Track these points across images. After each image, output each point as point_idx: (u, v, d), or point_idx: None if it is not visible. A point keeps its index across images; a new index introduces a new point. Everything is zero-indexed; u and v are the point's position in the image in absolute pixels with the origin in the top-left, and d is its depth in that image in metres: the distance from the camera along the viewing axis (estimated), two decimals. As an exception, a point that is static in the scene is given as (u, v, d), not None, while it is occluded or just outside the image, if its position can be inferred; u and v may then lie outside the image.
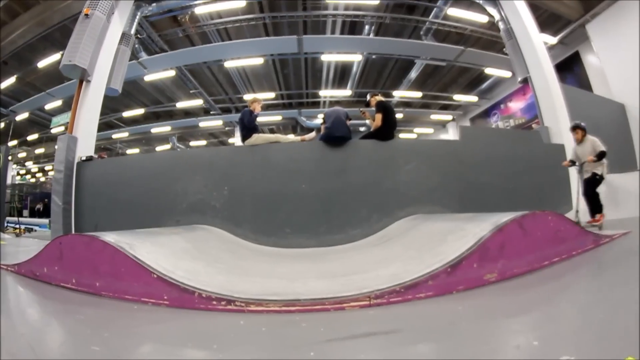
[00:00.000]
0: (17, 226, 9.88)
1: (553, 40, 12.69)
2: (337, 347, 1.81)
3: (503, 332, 1.93)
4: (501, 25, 9.30)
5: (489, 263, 2.62)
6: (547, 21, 11.51)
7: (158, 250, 3.13)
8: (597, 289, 2.31)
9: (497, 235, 2.69)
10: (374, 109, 6.29)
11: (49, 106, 17.54)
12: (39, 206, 19.31)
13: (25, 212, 19.29)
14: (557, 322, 1.91)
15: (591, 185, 5.73)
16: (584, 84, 12.33)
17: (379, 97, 6.40)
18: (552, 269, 2.72)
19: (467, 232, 2.92)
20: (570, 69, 13.06)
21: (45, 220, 13.07)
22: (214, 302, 2.43)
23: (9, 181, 13.23)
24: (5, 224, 9.79)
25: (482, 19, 11.95)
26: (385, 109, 6.12)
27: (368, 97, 6.55)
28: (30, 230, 10.30)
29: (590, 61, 12.30)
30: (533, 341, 1.62)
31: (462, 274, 2.55)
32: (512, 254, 2.69)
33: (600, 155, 5.65)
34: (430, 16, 12.46)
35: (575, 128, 6.09)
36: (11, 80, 15.41)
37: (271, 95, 18.25)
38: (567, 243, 2.97)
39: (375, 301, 2.35)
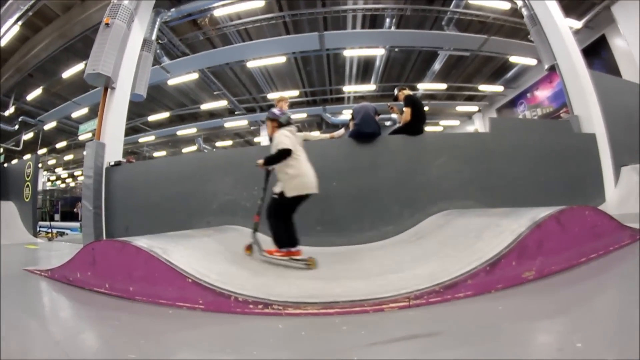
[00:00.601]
0: (49, 230, 10.14)
1: (578, 24, 12.30)
2: (380, 350, 1.78)
3: (545, 333, 1.87)
4: (524, 12, 9.06)
5: (528, 260, 2.56)
6: (570, 4, 11.12)
7: (191, 254, 3.14)
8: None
9: (535, 231, 2.62)
10: (402, 103, 6.21)
11: (75, 114, 18.06)
12: (77, 210, 19.75)
13: (57, 217, 19.83)
14: (600, 322, 1.84)
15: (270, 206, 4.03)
16: (612, 68, 11.94)
17: (407, 91, 6.32)
18: (589, 265, 2.63)
19: (503, 228, 2.85)
20: (597, 53, 12.66)
21: (76, 224, 13.42)
22: (251, 306, 2.43)
23: (40, 187, 13.59)
24: (38, 229, 10.06)
25: (505, 5, 11.67)
26: (414, 103, 6.04)
27: (396, 91, 6.46)
28: (62, 234, 10.57)
29: (618, 44, 11.91)
30: (577, 343, 1.56)
31: (500, 272, 2.49)
32: (550, 251, 2.62)
33: (269, 161, 3.99)
34: (451, 6, 12.20)
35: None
36: (38, 92, 15.93)
37: (295, 93, 18.22)
38: (604, 238, 2.86)
39: (414, 302, 2.31)
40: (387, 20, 12.75)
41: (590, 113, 6.98)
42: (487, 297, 2.36)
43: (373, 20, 13.19)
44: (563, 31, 7.84)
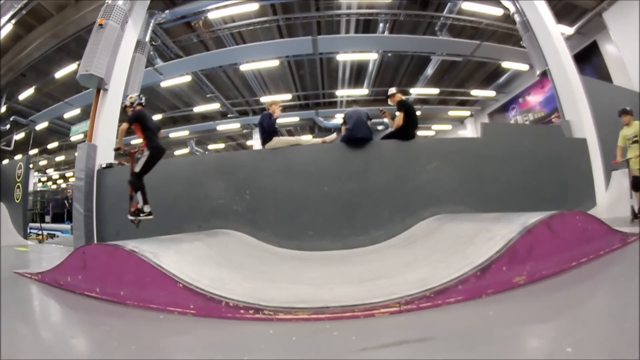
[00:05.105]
0: (40, 232, 10.04)
1: (570, 30, 12.41)
2: (371, 356, 1.77)
3: (536, 337, 1.88)
4: (517, 18, 9.15)
5: (518, 265, 2.56)
6: (562, 11, 11.23)
7: (182, 258, 3.12)
8: (629, 290, 2.20)
9: (526, 236, 2.63)
10: (394, 106, 6.23)
11: (67, 115, 17.96)
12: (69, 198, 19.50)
13: (48, 218, 19.61)
14: (590, 326, 1.84)
15: None
16: (603, 74, 12.04)
17: (400, 96, 6.33)
18: (580, 269, 2.64)
19: (494, 233, 2.86)
20: (588, 59, 12.77)
21: (67, 226, 13.28)
22: (242, 311, 2.41)
23: (30, 188, 13.46)
24: (29, 231, 9.95)
25: (497, 12, 11.78)
26: (407, 108, 6.07)
27: (393, 90, 6.45)
28: (52, 236, 10.48)
29: (609, 50, 12.02)
30: (567, 347, 1.57)
31: (491, 277, 2.50)
32: (541, 256, 2.63)
33: None
34: (445, 11, 12.33)
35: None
36: (30, 92, 15.84)
37: (288, 96, 18.24)
38: (595, 243, 2.88)
39: (405, 307, 2.31)
40: (381, 25, 12.82)
41: (581, 118, 7.06)
42: (478, 302, 2.36)
43: (366, 25, 13.27)
44: (555, 37, 7.92)
